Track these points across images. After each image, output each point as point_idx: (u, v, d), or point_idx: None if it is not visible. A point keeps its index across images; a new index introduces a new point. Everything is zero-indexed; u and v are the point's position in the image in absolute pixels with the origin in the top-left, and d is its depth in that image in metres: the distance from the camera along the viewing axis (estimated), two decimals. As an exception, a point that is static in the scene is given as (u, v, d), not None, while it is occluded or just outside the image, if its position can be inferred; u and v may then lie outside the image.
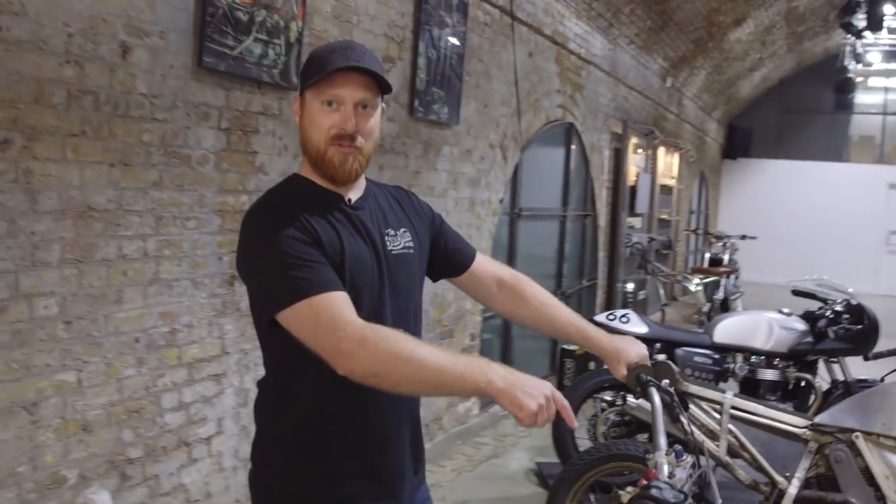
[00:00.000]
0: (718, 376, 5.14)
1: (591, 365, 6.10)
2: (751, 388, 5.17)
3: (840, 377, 5.12)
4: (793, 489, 3.28)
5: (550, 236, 8.25)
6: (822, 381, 5.18)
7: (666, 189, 12.76)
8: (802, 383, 5.17)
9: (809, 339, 5.05)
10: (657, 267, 9.85)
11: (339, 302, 1.79)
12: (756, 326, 5.16)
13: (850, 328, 5.01)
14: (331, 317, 1.77)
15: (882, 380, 4.52)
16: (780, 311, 5.18)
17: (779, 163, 19.11)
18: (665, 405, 2.26)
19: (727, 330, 5.20)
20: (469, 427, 6.55)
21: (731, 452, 3.56)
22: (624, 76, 9.88)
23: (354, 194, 2.07)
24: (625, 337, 2.42)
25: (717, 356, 5.15)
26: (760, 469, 3.55)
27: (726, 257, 10.08)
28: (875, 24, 10.85)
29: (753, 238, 11.37)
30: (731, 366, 5.16)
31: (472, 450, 6.05)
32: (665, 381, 2.28)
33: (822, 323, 5.00)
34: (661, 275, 9.86)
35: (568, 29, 7.83)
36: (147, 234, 3.49)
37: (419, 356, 1.75)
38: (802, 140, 19.10)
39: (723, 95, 16.40)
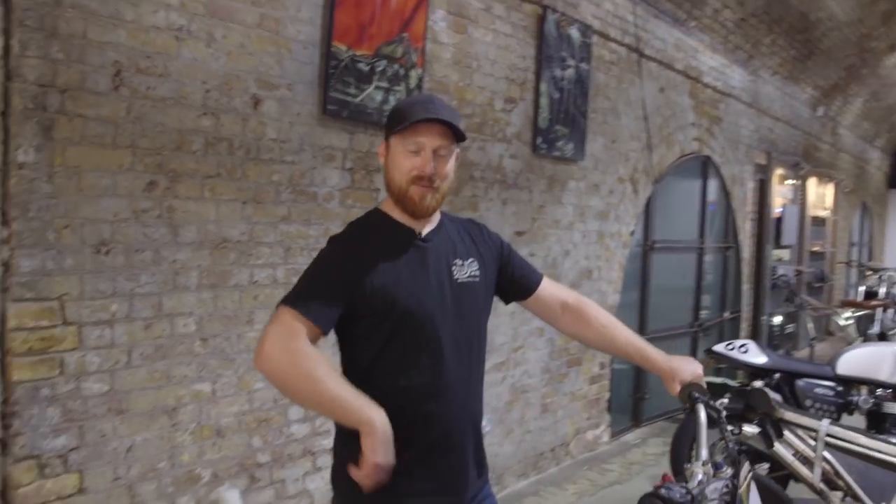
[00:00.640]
0: (841, 408, 5.08)
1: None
2: (877, 421, 5.07)
3: None
4: None
5: (686, 268, 8.26)
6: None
7: (818, 220, 12.35)
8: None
9: None
10: (805, 300, 9.59)
11: (303, 328, 2.08)
12: (882, 359, 5.07)
13: None
14: (287, 327, 2.08)
15: None
16: None
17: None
18: (711, 421, 2.40)
19: (851, 362, 5.13)
20: (597, 454, 6.67)
21: (826, 480, 3.59)
22: (768, 107, 9.76)
23: (427, 228, 2.35)
24: (683, 357, 2.56)
25: (839, 388, 5.09)
26: (856, 498, 3.56)
27: (882, 290, 9.68)
28: None
29: (914, 269, 10.85)
30: (855, 398, 5.09)
31: (597, 475, 6.17)
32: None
33: None
34: (810, 308, 9.59)
35: (702, 63, 7.90)
36: (276, 263, 3.93)
37: (320, 391, 2.03)
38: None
39: (885, 123, 15.67)
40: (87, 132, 3.14)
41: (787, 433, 3.68)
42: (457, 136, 2.30)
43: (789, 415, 3.68)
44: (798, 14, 8.66)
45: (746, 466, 2.30)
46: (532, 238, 5.77)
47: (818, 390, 5.06)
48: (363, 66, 4.21)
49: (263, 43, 3.78)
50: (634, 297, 7.38)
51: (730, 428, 4.99)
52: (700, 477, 2.21)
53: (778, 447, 3.68)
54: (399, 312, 2.20)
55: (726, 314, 9.15)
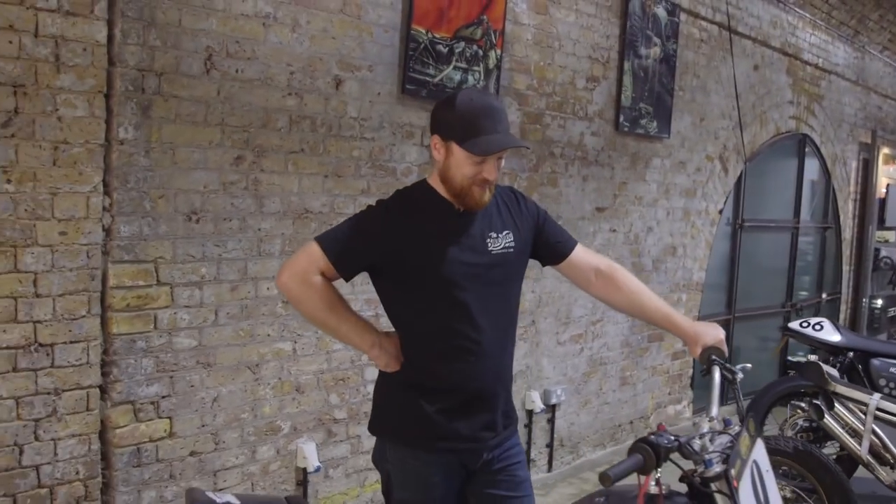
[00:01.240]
0: (916, 389, 5.04)
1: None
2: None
3: None
4: None
5: (779, 248, 8.18)
6: None
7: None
8: None
9: None
10: (909, 283, 9.34)
11: (321, 261, 2.41)
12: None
13: None
14: (309, 260, 2.42)
15: None
16: None
17: None
18: (727, 381, 2.53)
19: (930, 344, 5.08)
20: (678, 429, 6.75)
21: (874, 453, 3.66)
22: (875, 84, 9.48)
23: None
24: (707, 323, 2.71)
25: (917, 368, 5.05)
26: (903, 470, 3.63)
27: None
28: None
29: None
30: (931, 380, 5.04)
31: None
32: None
33: None
34: (914, 292, 9.33)
35: (801, 39, 7.77)
36: (355, 233, 4.19)
37: (324, 318, 2.49)
38: None
39: None
40: (180, 111, 3.47)
41: (837, 406, 3.76)
42: None
43: (841, 388, 3.76)
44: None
45: (752, 423, 2.41)
46: (613, 214, 5.88)
47: (893, 370, 5.03)
48: (442, 48, 4.42)
49: (346, 27, 4.03)
50: (722, 275, 7.40)
51: (803, 405, 5.03)
52: (705, 430, 2.33)
53: (828, 419, 3.77)
54: (430, 280, 2.43)
55: (824, 296, 9.01)
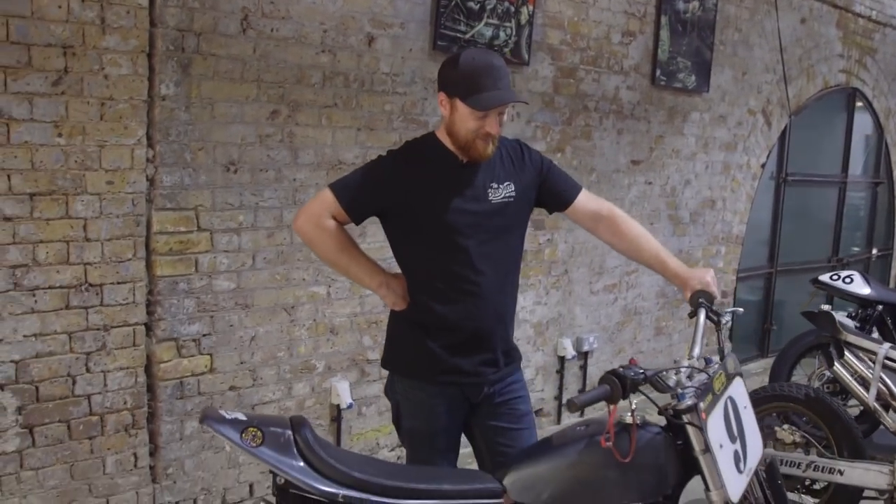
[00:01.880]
0: (948, 342, 5.08)
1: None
2: None
3: None
4: None
5: (825, 203, 8.16)
6: None
7: None
8: None
9: None
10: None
11: (333, 206, 2.62)
12: None
13: None
14: (323, 205, 2.64)
15: None
16: None
17: None
18: (714, 322, 2.69)
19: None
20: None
21: (882, 401, 3.77)
22: (934, 36, 9.26)
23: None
24: (698, 268, 2.85)
25: (946, 322, 5.09)
26: (909, 417, 3.73)
27: None
28: None
29: None
30: (964, 333, 5.08)
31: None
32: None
33: None
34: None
35: (852, -9, 7.67)
36: (388, 185, 4.41)
37: (336, 259, 2.73)
38: None
39: None
40: (218, 69, 3.70)
41: (847, 354, 3.88)
42: None
43: (852, 337, 3.87)
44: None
45: (732, 360, 2.54)
46: (649, 167, 5.98)
47: (923, 322, 5.09)
48: (473, 5, 4.56)
49: (377, -14, 4.21)
50: (765, 230, 7.44)
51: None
52: (684, 366, 2.49)
53: (837, 367, 3.89)
54: (432, 226, 2.63)
55: (875, 251, 8.94)
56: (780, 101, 7.06)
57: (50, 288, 3.34)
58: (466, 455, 2.88)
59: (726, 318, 2.73)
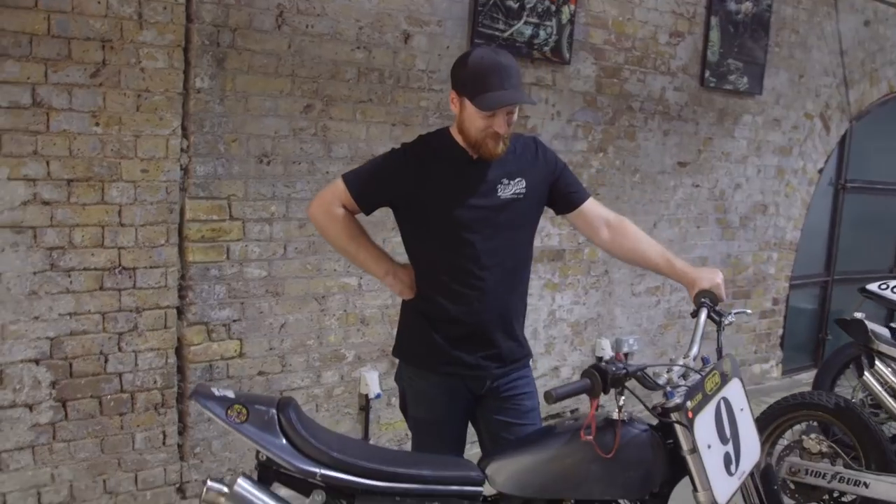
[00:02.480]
0: None
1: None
2: None
3: None
4: None
5: (887, 211, 7.91)
6: None
7: None
8: None
9: None
10: None
11: (344, 195, 2.70)
12: None
13: None
14: (334, 194, 2.72)
15: None
16: None
17: None
18: (715, 322, 2.67)
19: None
20: (763, 388, 6.75)
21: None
22: None
23: None
24: (706, 268, 2.83)
25: None
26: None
27: None
28: None
29: None
30: None
31: (753, 406, 6.29)
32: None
33: None
34: None
35: (922, -7, 7.43)
36: (423, 180, 4.47)
37: (345, 246, 2.80)
38: None
39: None
40: (253, 63, 3.81)
41: (878, 364, 3.79)
42: None
43: (884, 346, 3.79)
44: None
45: (728, 362, 2.52)
46: (696, 169, 5.92)
47: (973, 334, 4.92)
48: (512, 3, 4.59)
49: (415, -16, 4.27)
50: (821, 237, 7.28)
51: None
52: (679, 364, 2.48)
53: (867, 376, 3.81)
54: (439, 220, 2.67)
55: (943, 262, 8.65)
56: (840, 106, 6.90)
57: (85, 270, 3.49)
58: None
59: (729, 319, 2.71)
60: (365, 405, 4.41)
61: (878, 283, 5.21)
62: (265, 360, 4.04)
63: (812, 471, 3.83)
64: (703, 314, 2.66)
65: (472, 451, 2.94)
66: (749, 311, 2.95)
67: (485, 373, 2.78)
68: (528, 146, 2.85)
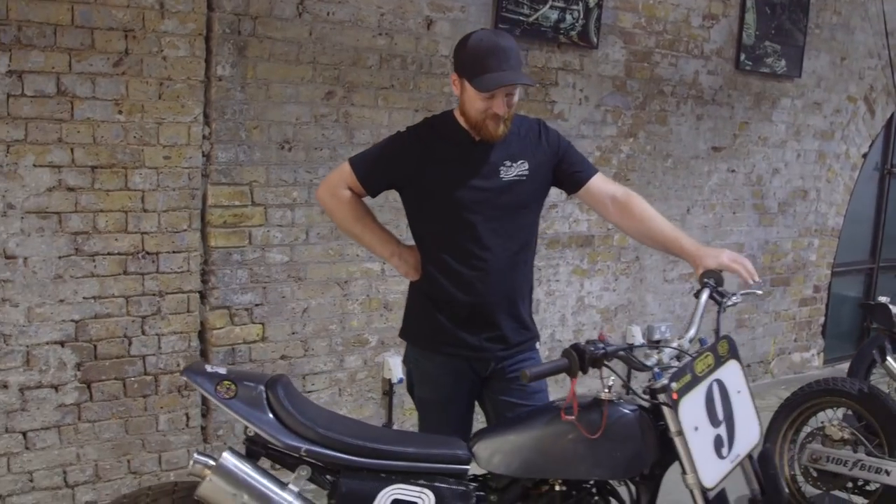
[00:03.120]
0: None
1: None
2: None
3: None
4: None
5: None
6: None
7: None
8: None
9: None
10: None
11: (350, 178, 2.78)
12: None
13: None
14: (341, 177, 2.80)
15: None
16: None
17: None
18: (717, 303, 2.64)
19: None
20: (804, 377, 6.61)
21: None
22: None
23: None
24: (715, 248, 2.79)
25: None
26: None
27: None
28: None
29: None
30: None
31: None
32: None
33: None
34: None
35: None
36: (447, 166, 4.49)
37: (351, 228, 2.85)
38: None
39: None
40: (274, 51, 3.87)
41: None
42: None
43: (905, 331, 3.71)
44: None
45: (726, 344, 2.49)
46: (732, 154, 5.83)
47: None
48: (537, -12, 4.58)
49: (437, -30, 4.29)
50: (866, 222, 7.12)
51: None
52: (673, 345, 2.46)
53: (889, 360, 3.74)
54: (441, 200, 2.70)
55: None
56: (885, 89, 6.73)
57: (109, 254, 3.60)
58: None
59: (733, 300, 2.67)
60: (388, 390, 4.45)
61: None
62: (287, 344, 4.11)
63: (833, 458, 3.77)
64: (705, 295, 2.63)
65: (475, 432, 2.96)
66: (760, 290, 2.88)
67: (489, 354, 2.81)
68: (532, 128, 2.86)
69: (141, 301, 3.69)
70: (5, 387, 3.44)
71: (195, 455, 2.13)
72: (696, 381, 2.34)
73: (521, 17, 4.56)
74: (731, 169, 5.86)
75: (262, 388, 2.21)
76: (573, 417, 2.22)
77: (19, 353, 3.45)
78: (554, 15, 4.68)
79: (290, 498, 2.16)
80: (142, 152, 3.61)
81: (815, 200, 6.50)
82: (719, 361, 2.45)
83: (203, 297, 3.86)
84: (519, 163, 2.78)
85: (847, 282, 7.13)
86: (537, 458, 2.27)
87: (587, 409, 2.28)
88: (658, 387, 2.30)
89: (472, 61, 2.62)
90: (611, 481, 2.41)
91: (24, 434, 3.51)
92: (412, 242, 2.90)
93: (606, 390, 2.32)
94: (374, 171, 2.78)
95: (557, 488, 2.33)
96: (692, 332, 2.54)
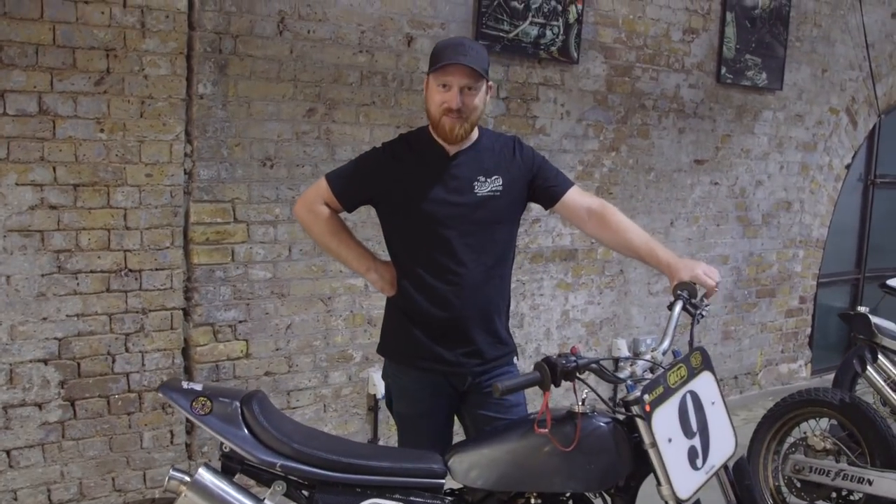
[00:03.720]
0: None
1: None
2: None
3: None
4: None
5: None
6: None
7: None
8: None
9: None
10: None
11: (326, 194, 2.82)
12: None
13: None
14: (317, 193, 2.85)
15: None
16: None
17: None
18: (690, 315, 2.66)
19: None
20: (792, 388, 6.63)
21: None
22: None
23: (459, 148, 2.82)
24: (691, 260, 2.80)
25: None
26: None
27: None
28: None
29: None
30: None
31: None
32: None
33: None
34: None
35: (952, -17, 7.27)
36: (430, 181, 4.52)
37: (328, 243, 2.87)
38: None
39: None
40: (255, 69, 3.90)
41: (881, 358, 3.75)
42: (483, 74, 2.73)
43: (887, 341, 3.75)
44: None
45: (699, 355, 2.51)
46: (714, 167, 5.87)
47: None
48: (517, 4, 4.62)
49: (417, -12, 4.33)
50: (850, 233, 7.17)
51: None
52: (647, 357, 2.48)
53: (870, 371, 3.77)
54: (416, 215, 2.73)
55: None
56: (867, 100, 6.79)
57: (91, 272, 3.61)
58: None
59: (705, 311, 2.69)
60: (373, 405, 4.47)
61: (899, 279, 5.13)
62: (272, 360, 4.12)
63: (816, 468, 3.80)
64: (678, 306, 2.64)
65: (455, 446, 2.97)
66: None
67: (465, 370, 2.82)
68: (507, 145, 2.90)
69: (124, 318, 3.70)
70: (-12, 406, 3.45)
71: (171, 471, 2.15)
72: (669, 392, 2.36)
73: (501, 34, 4.61)
74: (714, 182, 5.90)
75: (237, 403, 2.23)
76: (546, 430, 2.23)
77: (2, 371, 3.46)
78: (534, 31, 4.72)
79: (266, 513, 2.17)
80: (124, 170, 3.63)
81: (799, 212, 6.54)
82: (692, 373, 2.47)
83: (186, 314, 3.88)
84: (493, 178, 2.81)
85: (833, 292, 7.17)
86: (513, 472, 2.29)
87: (561, 422, 2.30)
88: (631, 399, 2.32)
89: (435, 55, 2.70)
90: (587, 493, 2.42)
91: (8, 452, 3.51)
92: (389, 258, 2.92)
93: (580, 403, 2.34)
94: (350, 186, 2.82)
95: (533, 501, 2.35)
96: (665, 344, 2.56)
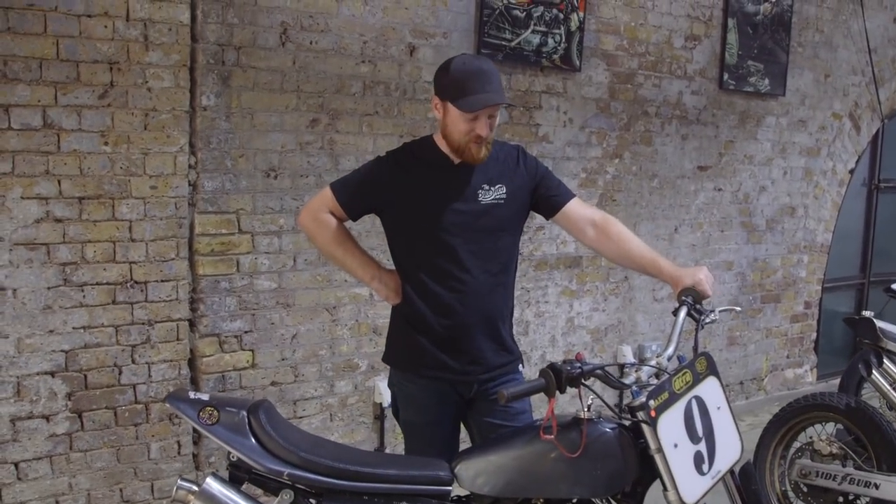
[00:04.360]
0: None
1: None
2: None
3: None
4: None
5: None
6: None
7: None
8: None
9: None
10: None
11: (331, 203, 2.83)
12: None
13: None
14: (322, 202, 2.85)
15: None
16: None
17: None
18: (695, 320, 2.66)
19: None
20: (797, 393, 6.62)
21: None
22: None
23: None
24: (692, 267, 2.82)
25: None
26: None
27: None
28: None
29: None
30: None
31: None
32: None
33: None
34: None
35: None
36: (434, 190, 4.53)
37: (332, 251, 2.88)
38: None
39: None
40: (258, 80, 3.92)
41: (887, 362, 3.75)
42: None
43: (892, 345, 3.74)
44: None
45: (704, 360, 2.51)
46: (718, 173, 5.88)
47: None
48: (518, 13, 4.64)
49: (418, -2, 4.35)
50: (855, 238, 7.16)
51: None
52: (652, 363, 2.49)
53: (875, 375, 3.76)
54: (420, 223, 2.75)
55: None
56: (870, 105, 6.80)
57: (97, 284, 3.62)
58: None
59: (711, 317, 2.70)
60: (380, 414, 4.47)
61: (904, 282, 5.12)
62: (277, 370, 4.13)
63: (822, 473, 3.79)
64: (683, 312, 2.65)
65: (461, 453, 2.97)
66: (738, 308, 2.92)
67: (471, 378, 2.83)
68: (511, 154, 2.91)
69: (130, 330, 3.72)
70: (-5, 418, 3.46)
71: (179, 481, 2.16)
72: (674, 398, 2.36)
73: (503, 42, 4.62)
74: (717, 188, 5.90)
75: (244, 413, 2.23)
76: (552, 437, 2.24)
77: (10, 383, 3.47)
78: (536, 39, 4.74)
79: (273, 522, 2.18)
80: (128, 183, 3.65)
81: (804, 217, 6.54)
82: (698, 378, 2.47)
83: (192, 325, 3.89)
84: (497, 187, 2.82)
85: (838, 297, 7.16)
86: (519, 478, 2.29)
87: (567, 429, 2.31)
88: (636, 404, 2.32)
89: (456, 84, 2.68)
90: (593, 499, 2.42)
91: (16, 465, 3.52)
92: (394, 267, 2.93)
93: (586, 409, 2.35)
94: (355, 195, 2.83)
95: (540, 508, 2.35)
96: (670, 349, 2.56)
